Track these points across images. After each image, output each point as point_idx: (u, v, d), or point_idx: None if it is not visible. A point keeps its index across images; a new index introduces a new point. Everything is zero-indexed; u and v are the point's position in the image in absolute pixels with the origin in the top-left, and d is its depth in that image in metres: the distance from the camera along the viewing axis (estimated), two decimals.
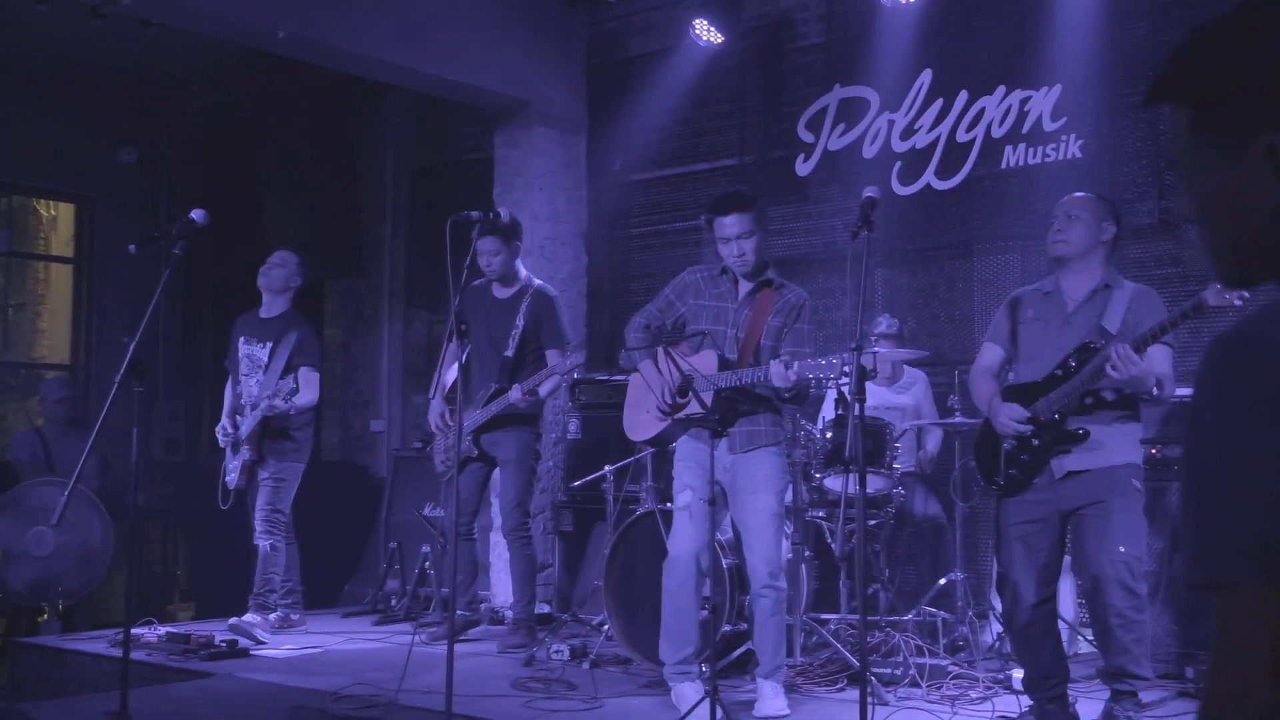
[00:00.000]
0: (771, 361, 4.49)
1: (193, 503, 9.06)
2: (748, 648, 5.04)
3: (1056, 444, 4.23)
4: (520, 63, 7.71)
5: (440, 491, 7.16)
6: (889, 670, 5.06)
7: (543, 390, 5.99)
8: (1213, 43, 1.18)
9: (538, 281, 6.32)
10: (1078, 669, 4.87)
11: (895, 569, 5.88)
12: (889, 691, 4.89)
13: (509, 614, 6.40)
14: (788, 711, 4.64)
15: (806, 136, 7.24)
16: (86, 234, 9.76)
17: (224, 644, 5.94)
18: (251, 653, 6.03)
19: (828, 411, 6.17)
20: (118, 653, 4.85)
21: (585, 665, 5.61)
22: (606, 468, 6.28)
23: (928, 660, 5.08)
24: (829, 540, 5.69)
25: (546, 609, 6.84)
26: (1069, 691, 4.36)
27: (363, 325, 9.42)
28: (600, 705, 4.87)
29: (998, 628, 5.54)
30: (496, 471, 6.31)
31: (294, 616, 6.79)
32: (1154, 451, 4.79)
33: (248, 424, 6.59)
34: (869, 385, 4.29)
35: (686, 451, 4.82)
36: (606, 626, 5.66)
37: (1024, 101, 6.46)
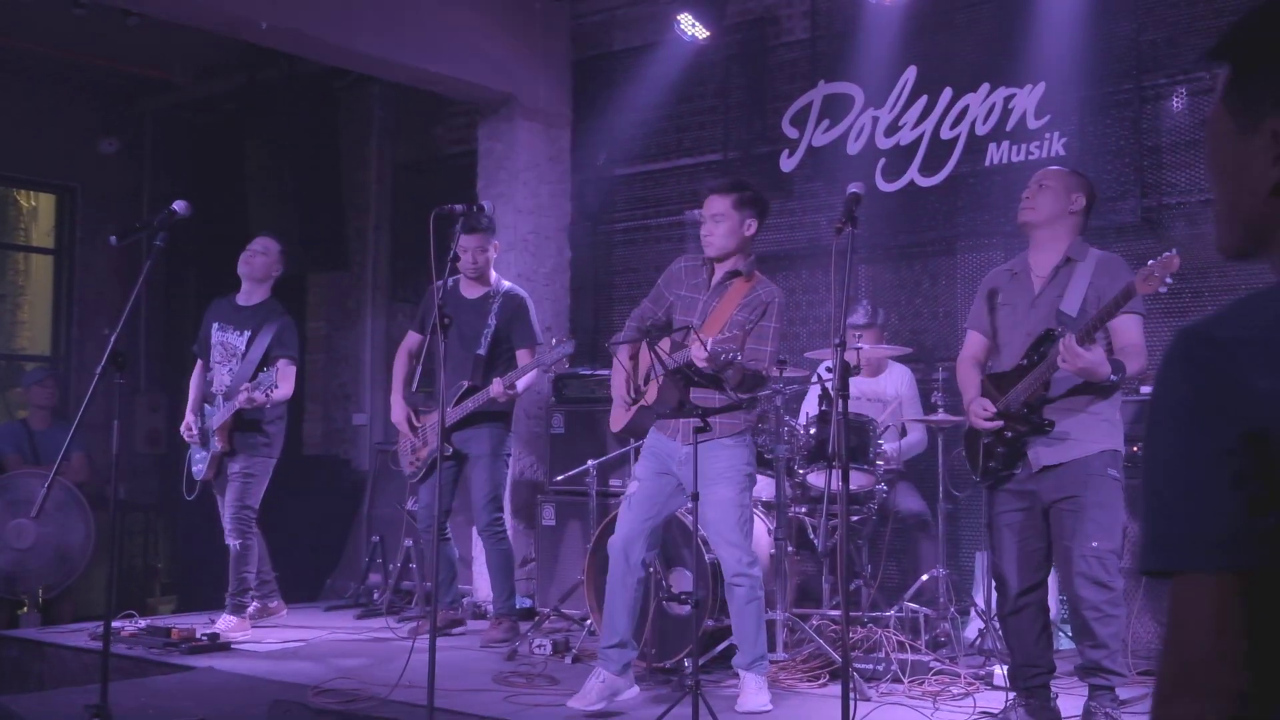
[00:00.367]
0: (692, 345, 4.46)
1: (174, 496, 8.98)
2: (730, 643, 5.05)
3: (1030, 434, 4.26)
4: (504, 56, 7.68)
5: (406, 492, 7.06)
6: (871, 666, 5.08)
7: (520, 385, 5.99)
8: (1271, 16, 1.19)
9: (506, 283, 6.31)
10: (1059, 665, 4.88)
11: (878, 565, 5.89)
12: (871, 687, 4.91)
13: (490, 609, 6.39)
14: (770, 707, 4.65)
15: (791, 132, 7.24)
16: (67, 225, 9.69)
17: (205, 637, 5.92)
18: (233, 646, 6.01)
19: (811, 407, 6.18)
20: (98, 646, 4.82)
21: (568, 660, 5.62)
22: (589, 462, 6.29)
23: (910, 656, 5.09)
24: (812, 536, 5.71)
25: (529, 603, 6.84)
26: (1051, 686, 4.38)
27: (345, 318, 9.39)
28: None
29: (979, 624, 5.57)
30: (467, 468, 6.27)
31: (272, 604, 6.73)
32: (1135, 450, 4.80)
33: (220, 414, 6.32)
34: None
35: (649, 442, 4.86)
36: (589, 621, 5.66)
37: (1008, 99, 6.48)
